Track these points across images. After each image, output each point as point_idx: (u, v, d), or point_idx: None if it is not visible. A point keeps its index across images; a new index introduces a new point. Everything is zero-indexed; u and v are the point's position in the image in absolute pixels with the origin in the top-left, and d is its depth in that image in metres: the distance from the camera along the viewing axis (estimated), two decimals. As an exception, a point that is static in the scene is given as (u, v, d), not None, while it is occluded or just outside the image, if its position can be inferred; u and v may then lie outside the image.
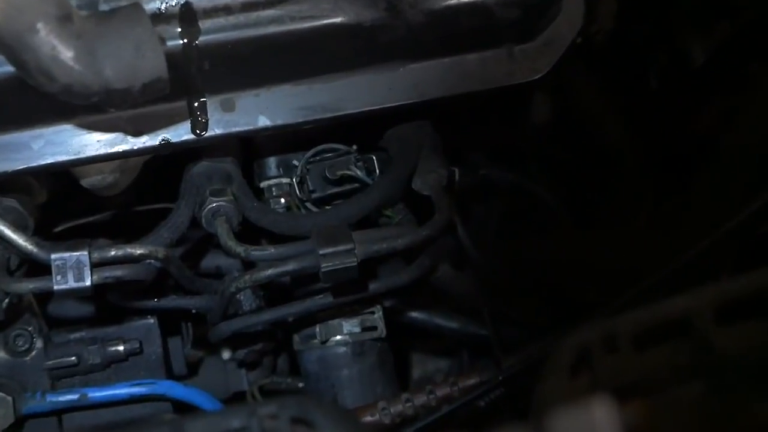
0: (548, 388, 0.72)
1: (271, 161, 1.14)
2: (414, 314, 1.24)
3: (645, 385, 0.68)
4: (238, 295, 1.17)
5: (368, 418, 1.06)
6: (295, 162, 1.12)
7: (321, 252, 0.97)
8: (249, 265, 1.08)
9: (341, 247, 0.98)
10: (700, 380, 0.67)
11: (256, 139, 1.12)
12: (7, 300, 1.03)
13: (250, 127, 1.02)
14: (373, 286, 1.07)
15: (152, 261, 1.01)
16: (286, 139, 1.12)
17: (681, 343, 0.70)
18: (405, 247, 1.00)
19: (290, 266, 0.99)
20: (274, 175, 1.14)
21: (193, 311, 1.15)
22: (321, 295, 1.09)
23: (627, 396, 0.68)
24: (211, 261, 1.20)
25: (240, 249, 1.00)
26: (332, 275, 0.98)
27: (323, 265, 0.97)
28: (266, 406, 0.75)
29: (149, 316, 1.16)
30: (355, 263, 0.97)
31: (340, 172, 1.07)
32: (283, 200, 1.13)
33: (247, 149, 1.13)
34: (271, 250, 1.00)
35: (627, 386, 0.69)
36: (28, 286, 0.97)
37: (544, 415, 0.51)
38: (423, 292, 1.23)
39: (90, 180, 1.05)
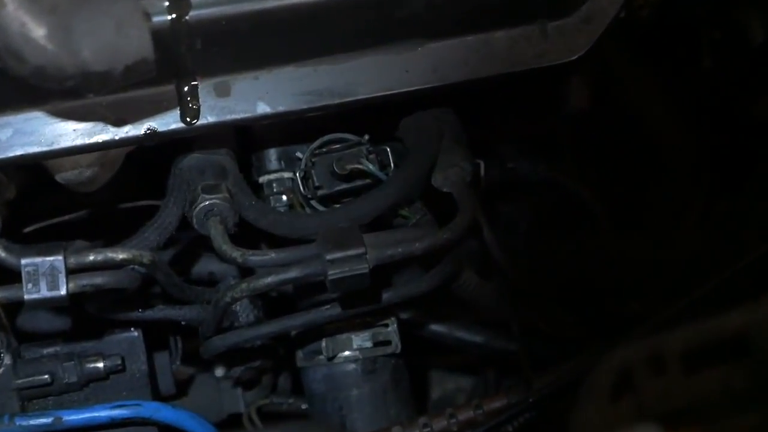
0: (586, 414, 0.71)
1: (272, 153, 1.14)
2: (433, 327, 1.24)
3: (695, 412, 0.68)
4: (233, 306, 1.17)
5: (381, 446, 1.06)
6: (299, 154, 1.11)
7: (328, 257, 0.97)
8: (246, 271, 1.07)
9: (351, 252, 0.97)
10: (758, 408, 0.66)
11: (255, 128, 1.12)
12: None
13: (248, 115, 1.01)
14: (386, 296, 1.06)
15: (136, 267, 1.00)
16: (288, 129, 1.11)
17: (737, 366, 0.69)
18: (423, 251, 0.99)
19: (293, 273, 0.98)
20: (274, 169, 1.13)
21: (183, 323, 1.15)
22: (328, 306, 1.08)
23: (675, 424, 0.67)
24: (204, 266, 1.20)
25: (236, 254, 1.00)
26: (341, 283, 0.97)
27: (331, 272, 0.96)
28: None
29: (133, 329, 1.16)
30: (367, 270, 0.97)
31: (349, 166, 1.06)
32: (284, 197, 1.12)
33: (245, 140, 1.13)
34: (271, 255, 1.00)
35: (675, 413, 0.69)
36: (-7, 295, 0.97)
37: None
38: (443, 302, 1.22)
39: (65, 174, 1.04)
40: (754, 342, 0.69)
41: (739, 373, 0.69)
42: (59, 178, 1.04)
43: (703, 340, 0.72)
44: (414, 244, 0.99)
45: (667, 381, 0.71)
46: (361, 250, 0.97)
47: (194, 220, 1.04)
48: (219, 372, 1.28)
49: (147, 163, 1.10)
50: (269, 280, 0.98)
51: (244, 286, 0.99)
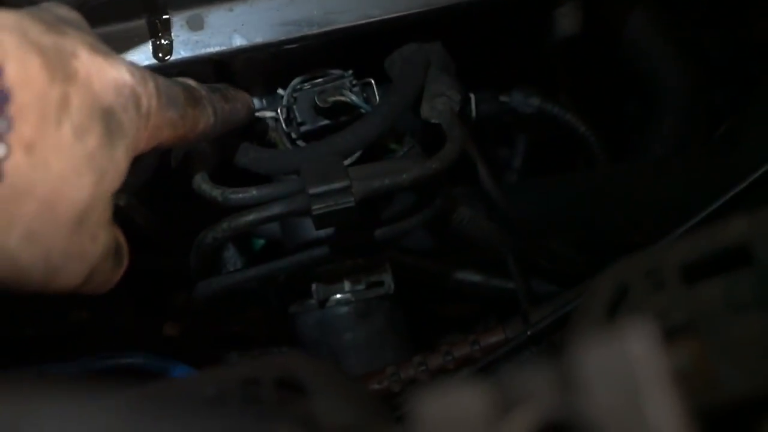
0: (581, 331, 0.68)
1: (253, 92, 1.10)
2: (428, 269, 1.20)
3: (695, 326, 0.65)
4: (222, 254, 1.14)
5: (375, 386, 1.03)
6: (281, 91, 1.08)
7: (311, 191, 0.93)
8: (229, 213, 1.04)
9: (335, 185, 0.93)
10: (762, 317, 0.63)
11: (233, 65, 1.08)
12: None
13: (224, 48, 0.99)
14: (378, 233, 1.03)
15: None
16: (268, 65, 1.08)
17: (739, 275, 0.66)
18: (411, 182, 0.95)
19: (275, 210, 0.94)
20: (257, 108, 1.10)
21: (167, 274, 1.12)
22: (317, 248, 1.05)
23: (674, 337, 0.64)
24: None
25: (216, 192, 0.96)
26: (326, 219, 0.94)
27: (315, 207, 0.93)
28: (243, 368, 0.72)
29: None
30: (353, 203, 0.93)
31: (332, 99, 1.02)
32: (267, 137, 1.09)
33: (224, 79, 1.09)
34: (252, 193, 0.96)
35: (674, 327, 0.65)
36: None
37: (570, 352, 0.47)
38: (438, 245, 1.19)
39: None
40: (757, 250, 0.65)
41: (743, 282, 0.65)
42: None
43: (702, 251, 0.68)
44: (401, 174, 0.95)
45: (665, 295, 0.67)
46: (345, 183, 0.93)
47: (173, 161, 1.00)
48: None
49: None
50: (251, 217, 0.95)
51: (225, 225, 0.96)
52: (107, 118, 0.73)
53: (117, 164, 0.75)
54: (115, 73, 0.75)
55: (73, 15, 0.79)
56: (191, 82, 0.89)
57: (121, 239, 0.83)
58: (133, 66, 0.78)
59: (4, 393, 0.43)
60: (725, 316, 0.64)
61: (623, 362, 0.46)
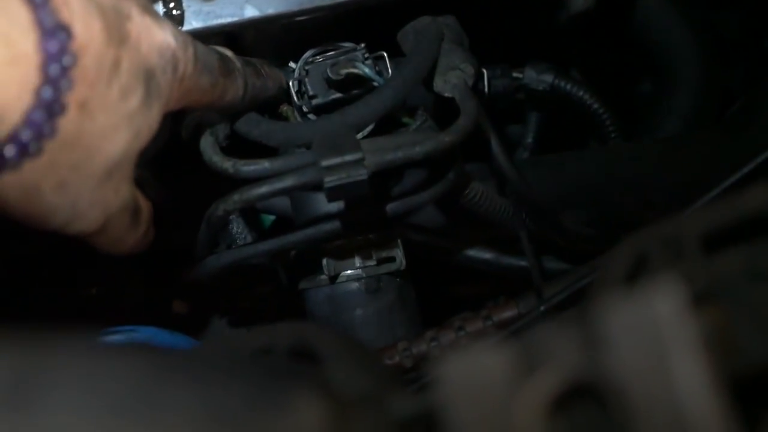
0: (600, 297, 0.67)
1: (264, 66, 1.10)
2: (439, 246, 1.19)
3: (715, 294, 0.64)
4: (230, 228, 1.13)
5: (386, 362, 1.02)
6: (292, 65, 1.07)
7: (324, 164, 0.92)
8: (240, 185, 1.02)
9: (348, 158, 0.92)
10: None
11: (244, 37, 1.07)
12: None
13: (235, 19, 0.98)
14: (390, 207, 1.02)
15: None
16: (279, 37, 1.07)
17: (761, 244, 0.65)
18: (425, 155, 0.94)
19: (287, 182, 0.93)
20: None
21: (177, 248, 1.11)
22: (327, 222, 1.04)
23: (697, 303, 0.63)
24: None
25: (227, 164, 0.95)
26: (339, 191, 0.92)
27: (327, 179, 0.91)
28: (256, 337, 0.71)
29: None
30: (365, 176, 0.92)
31: (344, 71, 1.01)
32: (279, 111, 1.08)
33: (235, 52, 1.08)
34: (264, 165, 0.95)
35: (695, 295, 0.64)
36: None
37: (595, 311, 0.46)
38: (450, 222, 1.18)
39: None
40: (779, 219, 0.64)
41: (764, 251, 0.64)
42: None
43: (722, 219, 0.67)
44: (414, 147, 0.94)
45: (685, 264, 0.66)
46: (358, 156, 0.92)
47: (184, 132, 1.00)
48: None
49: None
50: (263, 190, 0.93)
51: (236, 197, 0.94)
52: (149, 80, 0.77)
53: (151, 123, 0.79)
54: (162, 36, 0.78)
55: None
56: (228, 52, 0.92)
57: (142, 202, 0.86)
58: (177, 30, 0.81)
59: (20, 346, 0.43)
60: (746, 285, 0.63)
61: (650, 322, 0.45)
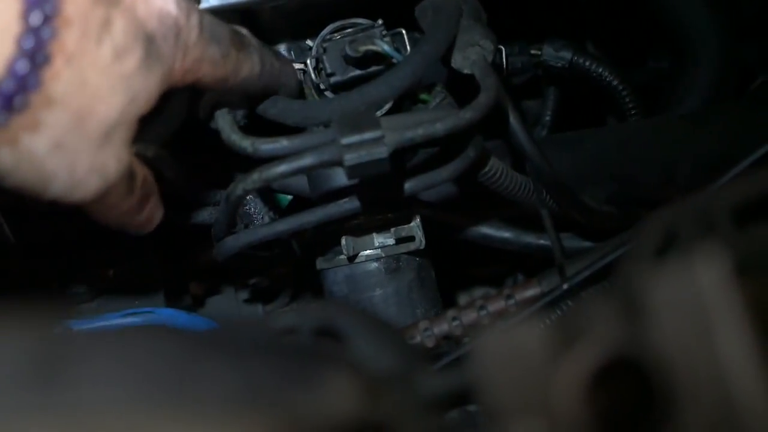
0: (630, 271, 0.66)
1: (282, 46, 1.08)
2: (458, 225, 1.17)
3: (750, 266, 0.62)
4: (247, 208, 1.12)
5: (407, 342, 1.01)
6: (309, 43, 1.06)
7: (344, 142, 0.91)
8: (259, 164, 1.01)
9: (368, 135, 0.91)
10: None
11: (261, 17, 1.06)
12: None
13: (253, -4, 0.97)
14: (408, 185, 1.01)
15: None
16: (296, 15, 1.06)
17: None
18: (445, 132, 0.92)
19: (307, 160, 0.92)
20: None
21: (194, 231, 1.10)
22: (346, 200, 1.03)
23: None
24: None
25: (246, 143, 0.94)
26: (359, 169, 0.91)
27: (347, 157, 0.90)
28: (280, 318, 0.70)
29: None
30: (386, 153, 0.91)
31: (363, 48, 1.00)
32: (297, 90, 1.07)
33: (252, 30, 1.07)
34: (283, 143, 0.94)
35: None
36: None
37: (635, 282, 0.45)
38: (469, 201, 1.17)
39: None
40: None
41: (795, 224, 0.63)
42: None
43: (755, 192, 0.66)
44: (435, 124, 0.93)
45: (716, 238, 0.65)
46: (378, 133, 0.91)
47: (201, 112, 0.99)
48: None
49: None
50: (282, 168, 0.92)
51: (255, 176, 0.93)
52: (147, 44, 0.77)
53: (150, 88, 0.78)
54: (161, 2, 0.78)
55: None
56: (244, 30, 0.92)
57: (138, 169, 0.86)
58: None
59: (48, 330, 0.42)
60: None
61: (693, 293, 0.44)
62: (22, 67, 0.69)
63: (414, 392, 0.60)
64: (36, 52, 0.69)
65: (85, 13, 0.72)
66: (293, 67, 1.01)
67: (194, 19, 0.82)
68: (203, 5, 0.96)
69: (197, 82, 0.86)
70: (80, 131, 0.74)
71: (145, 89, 0.78)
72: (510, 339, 0.46)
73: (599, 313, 0.46)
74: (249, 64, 0.90)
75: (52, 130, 0.73)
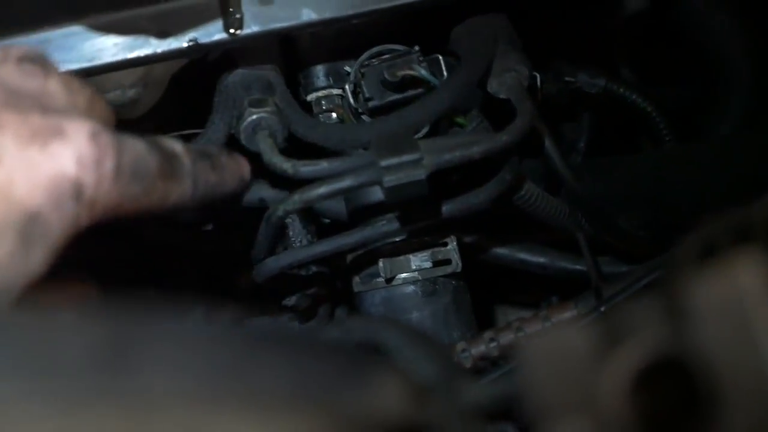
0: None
1: (319, 70, 1.11)
2: (494, 250, 1.19)
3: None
4: (287, 232, 1.14)
5: (446, 362, 1.02)
6: (347, 68, 1.08)
7: (383, 164, 0.92)
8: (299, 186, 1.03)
9: (406, 158, 0.93)
10: None
11: (300, 43, 1.09)
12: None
13: (293, 23, 0.98)
14: (446, 209, 1.02)
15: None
16: (335, 43, 1.08)
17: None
18: (482, 154, 0.94)
19: (347, 182, 0.94)
20: (322, 86, 1.10)
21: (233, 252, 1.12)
22: (384, 222, 1.04)
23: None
24: (254, 193, 1.16)
25: (287, 165, 0.96)
26: (397, 191, 0.93)
27: (386, 179, 0.92)
28: (325, 333, 0.71)
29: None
30: (424, 176, 0.92)
31: (401, 73, 1.02)
32: (334, 115, 1.09)
33: (291, 56, 1.10)
34: (323, 165, 0.96)
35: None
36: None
37: (679, 285, 0.46)
38: (504, 224, 1.18)
39: (107, 96, 1.01)
40: None
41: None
42: (101, 99, 1.00)
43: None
44: (472, 147, 0.94)
45: (754, 245, 0.66)
46: (417, 155, 0.93)
47: (242, 136, 1.01)
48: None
49: (190, 90, 1.07)
50: (322, 190, 0.94)
51: (296, 197, 0.95)
52: (26, 225, 0.66)
53: (31, 267, 0.67)
54: (51, 168, 0.68)
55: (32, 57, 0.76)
56: (178, 147, 0.83)
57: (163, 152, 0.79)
58: (89, 142, 0.70)
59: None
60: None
61: (736, 295, 0.46)
62: None
63: (457, 401, 0.61)
64: None
65: None
66: (237, 164, 0.94)
67: (108, 167, 0.70)
68: (245, 31, 0.97)
69: (122, 216, 0.75)
70: None
71: (22, 272, 0.66)
72: (556, 339, 0.47)
73: (644, 314, 0.47)
74: (179, 191, 0.81)
75: None
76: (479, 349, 1.02)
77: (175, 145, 0.82)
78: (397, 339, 0.69)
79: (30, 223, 0.66)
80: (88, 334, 0.42)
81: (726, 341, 0.45)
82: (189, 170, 0.82)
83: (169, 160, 0.79)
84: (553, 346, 0.48)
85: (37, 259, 0.67)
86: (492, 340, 1.02)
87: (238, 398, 0.43)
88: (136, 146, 0.75)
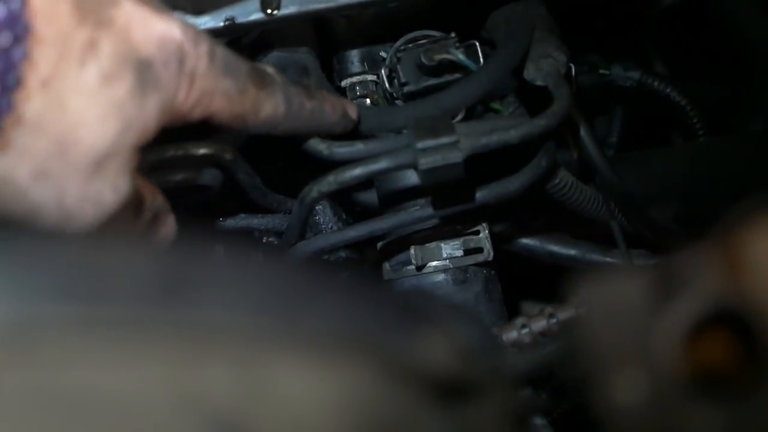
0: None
1: (354, 55, 1.10)
2: (525, 241, 1.18)
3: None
4: (317, 219, 1.13)
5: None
6: (383, 54, 1.08)
7: (419, 146, 0.92)
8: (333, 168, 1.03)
9: (443, 140, 0.92)
10: None
11: (336, 27, 1.08)
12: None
13: (330, 4, 0.98)
14: (479, 195, 1.01)
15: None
16: (371, 27, 1.08)
17: None
18: (519, 139, 0.93)
19: (382, 164, 0.93)
20: (357, 72, 1.10)
21: (265, 239, 1.12)
22: (417, 207, 1.04)
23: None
24: (286, 179, 1.16)
25: (322, 146, 0.96)
26: (433, 174, 0.92)
27: (422, 161, 0.91)
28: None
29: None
30: (460, 159, 0.91)
31: (438, 57, 1.01)
32: (368, 100, 1.08)
33: (325, 41, 1.09)
34: (359, 146, 0.95)
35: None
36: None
37: (737, 236, 0.45)
38: (536, 215, 1.17)
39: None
40: None
41: None
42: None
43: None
44: (509, 131, 0.94)
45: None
46: (453, 138, 0.92)
47: (277, 117, 1.00)
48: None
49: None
50: (357, 171, 0.93)
51: (330, 178, 0.94)
52: (142, 69, 0.72)
53: (146, 117, 0.73)
54: (162, 27, 0.73)
55: None
56: (270, 69, 0.87)
57: (147, 193, 0.82)
58: (188, 26, 0.76)
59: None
60: None
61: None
62: None
63: (498, 365, 0.60)
64: (5, 73, 0.65)
65: (64, 34, 0.68)
66: (338, 102, 0.96)
67: (203, 48, 0.76)
68: (282, 11, 0.97)
69: (212, 118, 0.81)
70: (65, 159, 0.70)
71: (140, 118, 0.72)
72: (612, 290, 0.47)
73: (700, 266, 0.47)
74: (271, 104, 0.85)
75: (33, 158, 0.69)
76: (511, 335, 1.01)
77: (268, 67, 0.87)
78: (440, 308, 0.68)
79: (144, 68, 0.72)
80: (144, 263, 0.41)
81: (785, 292, 0.45)
82: (281, 87, 0.85)
83: (259, 71, 0.84)
84: (609, 297, 0.47)
85: (152, 108, 0.73)
86: (524, 326, 1.01)
87: (291, 337, 0.42)
88: (223, 47, 0.79)
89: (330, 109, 0.93)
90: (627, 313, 0.47)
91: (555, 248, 1.18)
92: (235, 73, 0.80)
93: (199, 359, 0.40)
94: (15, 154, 0.69)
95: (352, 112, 0.97)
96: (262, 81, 0.83)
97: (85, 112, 0.69)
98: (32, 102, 0.68)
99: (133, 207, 0.79)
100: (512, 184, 1.01)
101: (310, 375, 0.42)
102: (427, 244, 1.08)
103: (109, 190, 0.73)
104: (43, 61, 0.67)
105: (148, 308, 0.40)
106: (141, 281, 0.40)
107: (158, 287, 0.40)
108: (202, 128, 0.96)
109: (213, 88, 0.78)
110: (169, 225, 0.87)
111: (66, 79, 0.69)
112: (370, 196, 1.14)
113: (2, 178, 0.69)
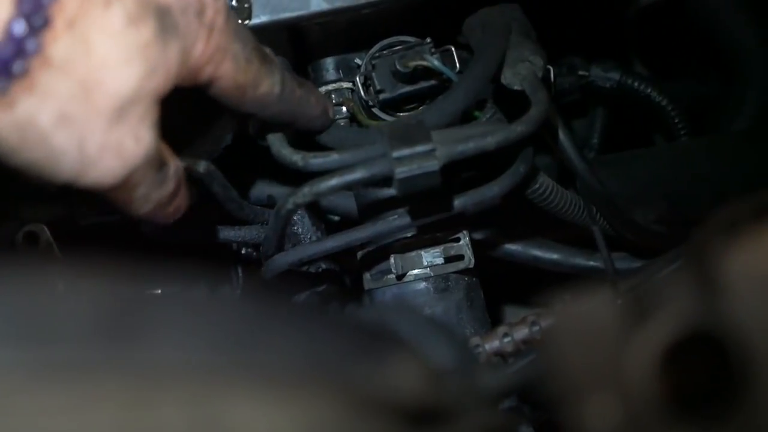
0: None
1: (329, 62, 1.09)
2: (507, 246, 1.16)
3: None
4: (295, 229, 1.11)
5: (459, 357, 1.00)
6: (358, 61, 1.06)
7: (395, 155, 0.90)
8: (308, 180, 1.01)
9: (419, 149, 0.90)
10: None
11: (310, 34, 1.07)
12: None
13: (303, 12, 0.97)
14: (458, 202, 0.99)
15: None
16: (345, 34, 1.06)
17: None
18: (496, 145, 0.92)
19: (358, 174, 0.91)
20: (332, 79, 1.08)
21: (243, 250, 1.10)
22: (395, 217, 1.02)
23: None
24: (262, 190, 1.14)
25: (296, 157, 0.94)
26: (410, 183, 0.91)
27: (398, 170, 0.90)
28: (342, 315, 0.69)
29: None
30: (437, 167, 0.90)
31: (413, 63, 1.00)
32: (344, 108, 1.07)
33: (300, 49, 1.08)
34: (334, 157, 0.94)
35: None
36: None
37: (711, 257, 0.44)
38: (517, 221, 1.16)
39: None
40: None
41: None
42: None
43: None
44: (486, 138, 0.92)
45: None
46: (429, 146, 0.91)
47: (251, 127, 0.99)
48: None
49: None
50: (333, 182, 0.92)
51: (306, 190, 0.93)
52: (163, 15, 0.72)
53: (168, 63, 0.73)
54: None
55: None
56: (268, 49, 0.88)
57: (169, 157, 0.81)
58: None
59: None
60: None
61: (769, 264, 0.43)
62: (20, 29, 0.65)
63: (472, 386, 0.59)
64: (34, 13, 0.65)
65: None
66: (322, 98, 0.97)
67: (221, 3, 0.77)
68: (254, 21, 0.96)
69: (217, 83, 0.81)
70: (88, 103, 0.69)
71: (163, 64, 0.72)
72: (584, 314, 0.45)
73: (673, 287, 0.45)
74: (269, 81, 0.86)
75: (56, 100, 0.68)
76: (493, 344, 1.00)
77: (266, 47, 0.87)
78: (412, 325, 0.67)
79: (164, 15, 0.72)
80: (92, 301, 0.40)
81: (760, 313, 0.43)
82: (279, 69, 0.87)
83: (261, 48, 0.85)
84: (581, 321, 0.45)
85: (173, 55, 0.73)
86: (506, 335, 0.99)
87: (248, 372, 0.41)
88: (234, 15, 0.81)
89: (315, 101, 0.95)
90: (599, 335, 0.45)
91: (538, 253, 1.17)
92: (244, 39, 0.81)
93: (150, 399, 0.38)
94: (40, 96, 0.68)
95: (331, 112, 0.99)
96: (264, 57, 0.85)
97: (109, 54, 0.69)
98: (59, 43, 0.67)
99: (156, 170, 0.79)
100: (491, 190, 1.00)
101: (265, 410, 0.40)
102: (408, 253, 1.07)
103: (131, 139, 0.73)
104: (69, 1, 0.67)
105: (95, 350, 0.38)
106: (87, 322, 0.39)
107: (105, 327, 0.39)
108: (177, 140, 0.95)
109: (227, 46, 0.78)
110: (182, 197, 0.87)
111: (92, 19, 0.68)
112: (349, 204, 1.12)
113: (26, 121, 0.69)
